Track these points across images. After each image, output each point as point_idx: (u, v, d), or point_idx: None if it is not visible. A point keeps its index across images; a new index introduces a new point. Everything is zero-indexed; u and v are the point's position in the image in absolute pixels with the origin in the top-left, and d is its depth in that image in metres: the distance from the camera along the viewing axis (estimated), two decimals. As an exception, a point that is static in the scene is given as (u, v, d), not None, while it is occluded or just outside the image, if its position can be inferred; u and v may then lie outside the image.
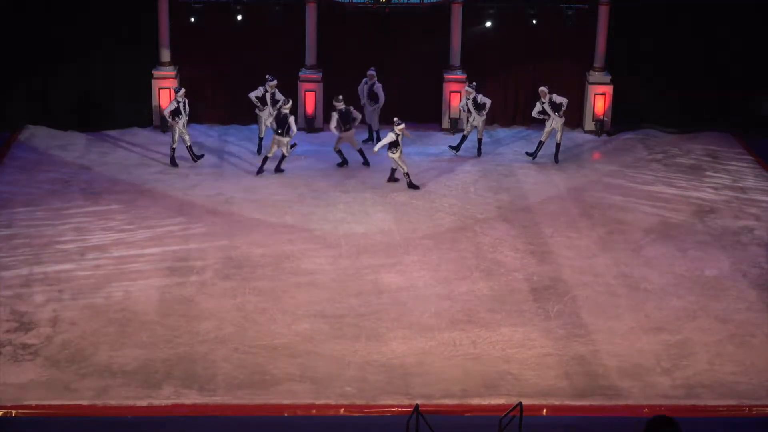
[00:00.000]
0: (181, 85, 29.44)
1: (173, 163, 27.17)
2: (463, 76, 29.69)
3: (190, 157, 27.30)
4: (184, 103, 27.03)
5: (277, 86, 27.72)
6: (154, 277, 21.73)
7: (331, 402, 17.94)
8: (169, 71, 29.56)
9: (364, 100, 28.32)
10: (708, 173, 27.65)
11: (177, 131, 27.00)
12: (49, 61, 28.79)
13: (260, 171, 26.65)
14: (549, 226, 24.42)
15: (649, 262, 22.85)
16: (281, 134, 26.23)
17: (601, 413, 17.92)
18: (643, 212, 25.26)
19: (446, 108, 29.89)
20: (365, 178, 26.64)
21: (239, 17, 29.23)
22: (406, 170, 25.90)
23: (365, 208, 25.13)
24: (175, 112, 26.90)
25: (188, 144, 27.27)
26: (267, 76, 27.70)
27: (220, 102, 30.06)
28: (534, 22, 29.42)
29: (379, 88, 28.16)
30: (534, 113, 27.97)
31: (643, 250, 23.41)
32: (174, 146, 27.15)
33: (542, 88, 27.64)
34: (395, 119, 25.56)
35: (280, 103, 27.47)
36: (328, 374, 18.65)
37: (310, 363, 18.96)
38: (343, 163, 27.37)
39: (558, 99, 27.64)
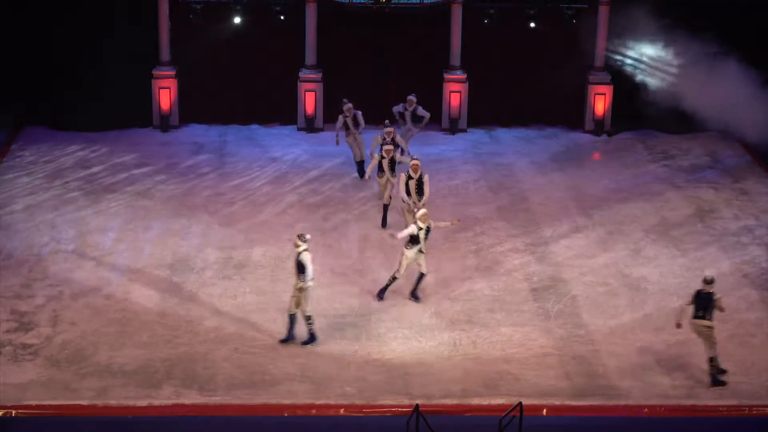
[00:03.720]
0: (180, 84, 29.48)
1: (360, 174, 26.52)
2: (463, 76, 29.69)
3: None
4: (353, 116, 26.26)
5: None
6: (154, 277, 21.73)
7: (331, 402, 17.94)
8: (169, 71, 29.55)
9: (408, 124, 27.21)
10: (708, 173, 27.64)
11: (351, 145, 26.47)
12: (49, 61, 28.77)
13: None
14: (549, 226, 24.41)
15: (649, 262, 22.85)
16: None
17: (601, 413, 17.93)
18: (643, 212, 25.25)
19: (446, 108, 29.88)
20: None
21: (239, 17, 29.22)
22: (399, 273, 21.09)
23: (365, 208, 25.11)
24: (345, 127, 26.39)
25: (361, 158, 26.56)
26: None
27: (220, 102, 30.03)
28: (534, 22, 29.41)
29: (421, 109, 27.11)
30: (394, 110, 27.26)
31: (643, 250, 23.41)
32: (358, 160, 26.55)
33: (411, 97, 27.08)
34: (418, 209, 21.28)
35: None
36: (328, 374, 18.64)
37: (310, 363, 18.96)
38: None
39: (422, 112, 27.09)
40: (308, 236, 19.36)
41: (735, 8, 29.09)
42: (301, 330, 19.52)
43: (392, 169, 24.06)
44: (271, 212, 24.90)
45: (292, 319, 19.44)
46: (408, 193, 22.60)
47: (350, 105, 26.33)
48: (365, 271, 22.25)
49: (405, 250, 20.76)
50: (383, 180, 24.24)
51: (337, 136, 26.51)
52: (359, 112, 26.44)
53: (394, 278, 21.01)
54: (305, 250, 19.16)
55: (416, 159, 22.86)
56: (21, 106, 29.02)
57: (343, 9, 29.48)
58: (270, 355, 19.17)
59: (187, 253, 22.77)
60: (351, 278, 22.01)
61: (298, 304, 19.31)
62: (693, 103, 27.85)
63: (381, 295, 21.09)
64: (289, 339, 19.49)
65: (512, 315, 20.66)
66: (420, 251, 20.75)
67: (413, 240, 20.64)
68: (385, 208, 24.15)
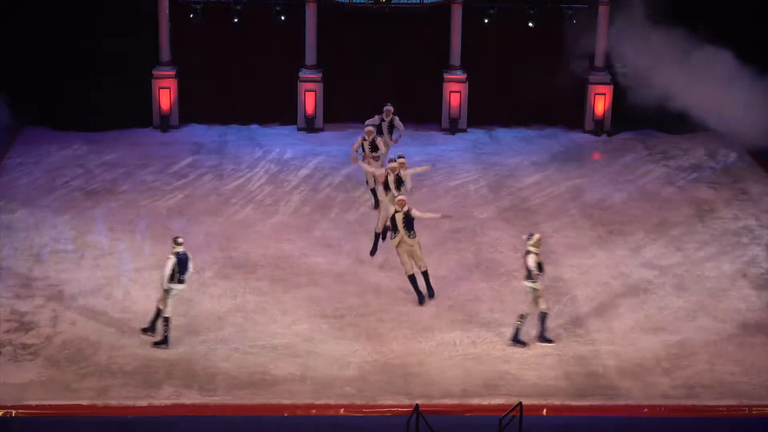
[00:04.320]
0: (180, 84, 29.47)
1: (375, 202, 24.33)
2: (463, 76, 29.69)
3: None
4: (372, 141, 24.48)
5: None
6: (154, 278, 21.72)
7: (331, 402, 17.93)
8: (169, 71, 29.56)
9: (385, 136, 25.71)
10: (708, 173, 27.65)
11: (366, 171, 24.27)
12: (49, 61, 28.76)
13: None
14: (549, 226, 24.41)
15: (649, 262, 22.85)
16: None
17: (601, 413, 17.92)
18: (643, 212, 25.25)
19: (446, 108, 29.88)
20: (365, 179, 26.61)
21: (239, 17, 29.21)
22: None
23: (365, 207, 25.10)
24: (362, 149, 24.68)
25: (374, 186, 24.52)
26: None
27: (220, 102, 30.04)
28: (533, 22, 29.41)
29: (398, 120, 25.72)
30: (368, 123, 25.44)
31: (643, 250, 23.41)
32: (371, 187, 24.83)
33: (388, 107, 25.83)
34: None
35: None
36: (328, 374, 18.65)
37: (310, 363, 18.96)
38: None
39: (397, 123, 25.78)
40: (181, 240, 19.22)
41: (734, 7, 29.07)
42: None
43: (398, 188, 22.28)
44: (271, 212, 24.91)
45: (157, 312, 19.46)
46: (395, 228, 20.69)
47: (371, 128, 25.07)
48: (365, 272, 22.24)
49: (528, 283, 19.47)
50: (388, 199, 22.17)
51: (351, 155, 24.32)
52: (380, 138, 25.08)
53: (523, 317, 19.55)
54: (173, 253, 19.07)
55: (402, 196, 21.10)
56: (21, 106, 29.01)
57: (343, 9, 29.48)
58: (270, 355, 19.18)
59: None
60: (351, 278, 22.00)
61: (164, 303, 19.36)
62: (692, 104, 27.91)
63: (517, 339, 19.57)
64: (148, 330, 19.54)
65: (512, 315, 20.62)
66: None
67: (539, 269, 19.44)
68: (377, 236, 22.58)
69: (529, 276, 19.43)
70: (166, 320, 19.26)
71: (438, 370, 18.84)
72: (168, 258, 19.08)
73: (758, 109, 27.42)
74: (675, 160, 28.48)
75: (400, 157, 22.66)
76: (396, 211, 20.67)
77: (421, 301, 20.95)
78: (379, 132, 25.64)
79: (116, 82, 29.01)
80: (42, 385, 18.11)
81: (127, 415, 17.56)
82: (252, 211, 24.94)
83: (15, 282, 21.39)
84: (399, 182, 22.45)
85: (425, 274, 20.98)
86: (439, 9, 29.52)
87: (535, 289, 19.55)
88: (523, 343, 19.61)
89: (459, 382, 18.49)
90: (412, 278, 20.90)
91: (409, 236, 20.69)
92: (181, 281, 19.21)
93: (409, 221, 20.63)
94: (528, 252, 19.43)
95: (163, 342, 19.30)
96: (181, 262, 19.13)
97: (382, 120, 25.86)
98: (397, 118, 26.00)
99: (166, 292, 19.18)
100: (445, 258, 22.76)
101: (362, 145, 24.87)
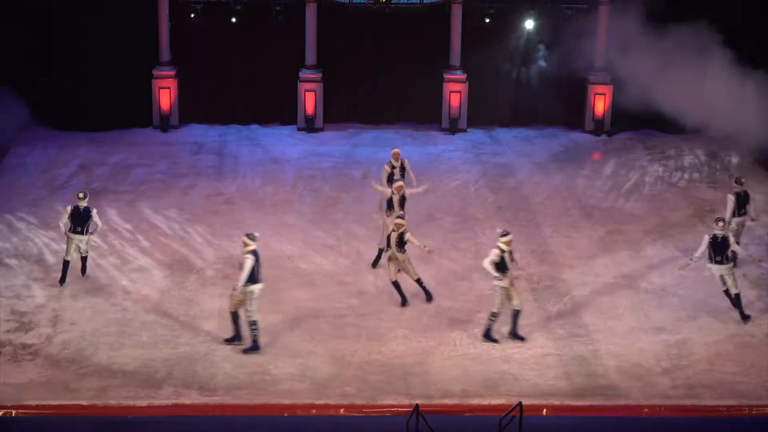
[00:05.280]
0: (180, 84, 29.47)
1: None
2: (463, 76, 29.69)
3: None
4: (401, 197, 21.88)
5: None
6: (154, 277, 21.74)
7: (331, 402, 17.93)
8: (169, 71, 29.57)
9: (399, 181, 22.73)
10: (708, 173, 27.64)
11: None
12: (49, 61, 28.77)
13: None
14: (549, 226, 24.42)
15: (649, 262, 22.85)
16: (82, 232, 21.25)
17: (601, 413, 17.92)
18: (644, 212, 25.26)
19: (446, 108, 29.88)
20: (366, 180, 26.63)
21: (239, 17, 29.21)
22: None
23: (365, 208, 25.09)
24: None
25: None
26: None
27: (220, 102, 30.06)
28: (533, 22, 29.43)
29: (407, 162, 23.24)
30: (375, 184, 22.92)
31: (643, 250, 23.41)
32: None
33: (395, 150, 23.40)
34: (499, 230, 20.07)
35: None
36: (328, 374, 18.65)
37: (310, 363, 18.97)
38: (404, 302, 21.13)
39: (408, 166, 23.30)
40: (82, 194, 21.08)
41: (733, 8, 29.06)
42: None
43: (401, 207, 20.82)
44: (271, 212, 24.91)
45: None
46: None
47: (401, 184, 22.21)
48: (365, 272, 22.24)
49: (496, 282, 19.40)
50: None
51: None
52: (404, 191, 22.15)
53: (494, 315, 19.54)
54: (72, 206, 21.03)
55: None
56: (22, 106, 29.03)
57: (343, 9, 29.49)
58: (270, 355, 19.18)
59: (187, 253, 22.78)
60: (351, 278, 22.00)
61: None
62: (691, 104, 27.91)
63: (488, 336, 19.61)
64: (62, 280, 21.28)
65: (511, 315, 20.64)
66: (512, 284, 19.44)
67: (500, 268, 19.35)
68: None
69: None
70: (65, 263, 21.23)
71: (438, 370, 18.85)
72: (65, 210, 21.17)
73: (758, 109, 27.45)
74: (675, 160, 28.49)
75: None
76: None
77: (243, 346, 19.23)
78: (390, 181, 22.88)
79: (116, 82, 29.04)
80: (42, 385, 18.11)
81: (127, 415, 17.55)
82: (252, 210, 24.94)
83: (15, 282, 21.39)
84: (403, 201, 21.62)
85: (252, 324, 19.10)
86: (439, 9, 29.53)
87: (501, 289, 19.40)
88: (493, 340, 19.57)
89: (459, 382, 18.49)
90: (251, 323, 19.14)
91: (242, 285, 18.88)
92: (78, 231, 21.13)
93: (252, 275, 18.92)
94: (496, 247, 19.37)
95: (60, 281, 21.22)
96: (79, 216, 21.11)
97: (393, 167, 23.19)
98: (407, 160, 23.39)
99: (68, 238, 21.13)
100: (445, 258, 22.76)
101: (391, 199, 22.01)
